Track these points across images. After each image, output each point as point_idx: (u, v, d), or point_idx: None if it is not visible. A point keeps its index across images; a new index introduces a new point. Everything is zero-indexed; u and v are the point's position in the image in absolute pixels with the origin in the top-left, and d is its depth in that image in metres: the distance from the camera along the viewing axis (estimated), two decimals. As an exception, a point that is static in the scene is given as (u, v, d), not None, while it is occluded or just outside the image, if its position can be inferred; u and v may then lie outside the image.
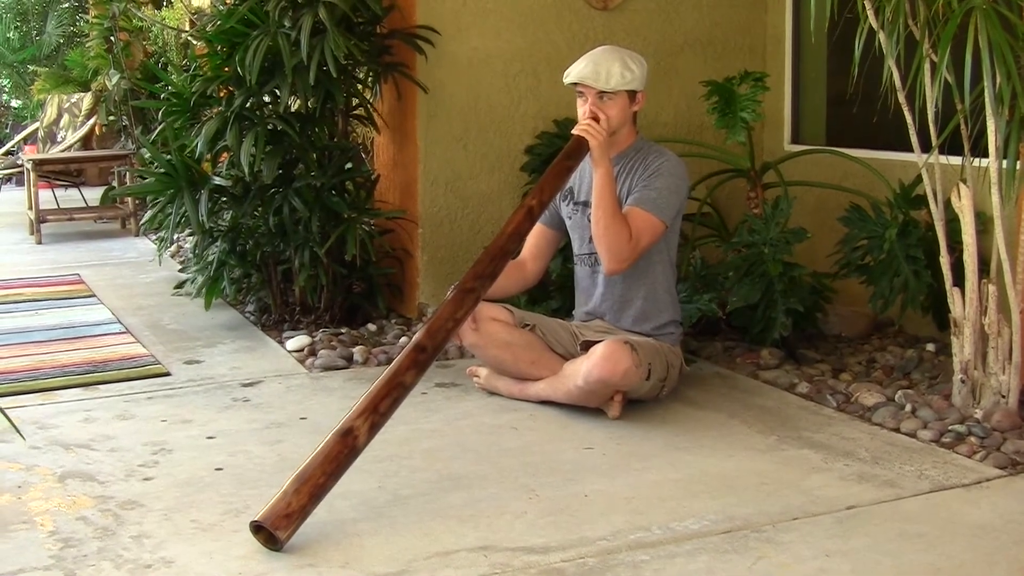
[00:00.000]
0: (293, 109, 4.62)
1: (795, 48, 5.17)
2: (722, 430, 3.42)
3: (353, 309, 4.82)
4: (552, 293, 4.39)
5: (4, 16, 12.42)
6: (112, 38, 8.12)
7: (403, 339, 4.48)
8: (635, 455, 3.20)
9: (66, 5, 10.89)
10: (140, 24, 8.30)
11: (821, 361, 4.10)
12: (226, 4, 4.72)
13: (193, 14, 7.81)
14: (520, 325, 3.67)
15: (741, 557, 2.51)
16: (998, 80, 3.11)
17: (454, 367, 4.14)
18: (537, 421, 3.52)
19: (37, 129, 9.35)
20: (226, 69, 4.57)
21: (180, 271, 5.31)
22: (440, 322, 3.15)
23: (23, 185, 8.61)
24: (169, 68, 7.27)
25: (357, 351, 4.27)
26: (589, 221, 3.63)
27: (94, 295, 5.61)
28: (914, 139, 3.45)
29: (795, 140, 5.19)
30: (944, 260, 3.48)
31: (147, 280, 6.02)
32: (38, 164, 7.96)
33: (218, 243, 4.71)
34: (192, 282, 4.94)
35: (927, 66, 3.30)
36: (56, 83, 9.90)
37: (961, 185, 3.38)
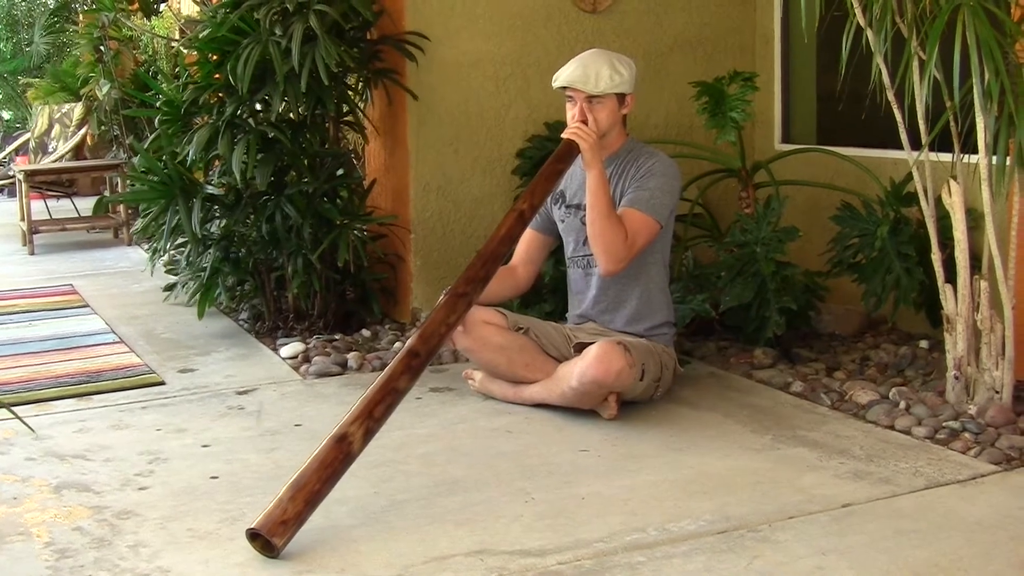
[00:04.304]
0: (284, 116, 4.61)
1: (784, 47, 5.18)
2: (717, 430, 3.42)
3: (347, 315, 4.82)
4: (545, 296, 4.39)
5: (-3, 27, 12.43)
6: (102, 47, 8.11)
7: (397, 344, 4.48)
8: (630, 456, 3.21)
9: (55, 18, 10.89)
10: (130, 33, 8.29)
11: (815, 360, 4.11)
12: (216, 12, 4.71)
13: (183, 23, 7.80)
14: (513, 328, 3.67)
15: (738, 557, 2.52)
16: (986, 77, 3.11)
17: (448, 371, 4.14)
18: (532, 424, 3.53)
19: (28, 140, 9.33)
20: (217, 77, 4.57)
21: (167, 272, 5.27)
22: (433, 327, 3.15)
23: (15, 196, 8.60)
24: (159, 77, 7.26)
25: (351, 357, 4.27)
26: (582, 224, 3.63)
27: (87, 305, 5.61)
28: (904, 137, 3.46)
29: (785, 139, 5.20)
30: (936, 257, 3.49)
31: (140, 289, 6.01)
32: (30, 175, 7.95)
33: (211, 251, 4.71)
34: (183, 286, 4.94)
35: (915, 63, 3.31)
36: (48, 92, 9.89)
37: (951, 182, 3.39)
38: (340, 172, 4.78)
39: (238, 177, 4.36)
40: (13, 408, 3.60)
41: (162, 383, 4.11)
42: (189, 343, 4.71)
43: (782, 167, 4.65)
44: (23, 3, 12.77)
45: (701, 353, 4.26)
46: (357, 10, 4.52)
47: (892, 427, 3.38)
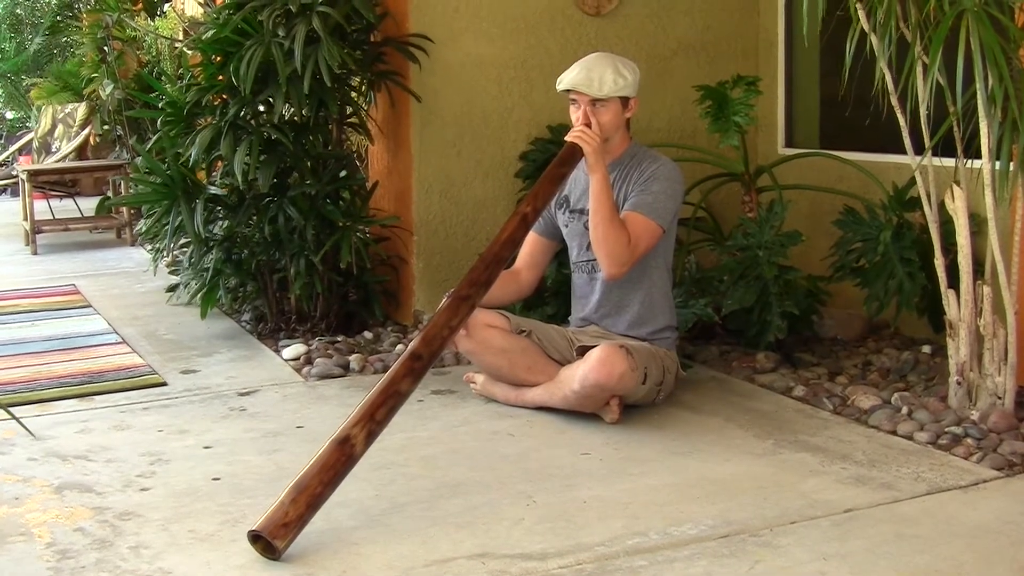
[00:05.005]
0: (287, 118, 4.62)
1: (788, 51, 5.18)
2: (719, 434, 3.42)
3: (349, 317, 4.82)
4: (547, 299, 4.39)
5: (0, 27, 12.43)
6: (106, 48, 8.12)
7: (399, 346, 4.48)
8: (632, 460, 3.20)
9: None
10: (134, 34, 8.30)
11: (817, 364, 4.11)
12: (219, 14, 4.71)
13: (186, 24, 7.81)
14: (516, 331, 3.67)
15: (739, 561, 2.51)
16: (990, 82, 3.11)
17: (450, 374, 4.14)
18: (534, 427, 3.52)
19: (32, 140, 9.34)
20: (220, 78, 4.58)
21: (171, 273, 5.31)
22: (435, 329, 3.15)
23: (18, 196, 8.61)
24: (163, 78, 7.27)
25: (353, 359, 4.27)
26: (586, 228, 3.63)
27: (90, 305, 5.61)
28: (907, 141, 3.46)
29: (789, 143, 5.19)
30: (939, 262, 3.49)
31: (143, 290, 6.01)
32: (33, 175, 7.96)
33: (213, 252, 4.71)
34: (185, 287, 4.95)
35: (919, 68, 3.31)
36: (51, 93, 9.90)
37: (955, 187, 3.39)
38: (343, 174, 4.78)
39: (240, 178, 4.37)
40: (14, 411, 3.61)
41: (164, 384, 4.11)
42: (191, 344, 4.72)
43: (785, 171, 4.65)
44: (26, 2, 12.78)
45: (703, 357, 4.25)
46: (360, 12, 4.53)
47: (894, 432, 3.38)
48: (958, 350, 3.45)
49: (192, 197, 4.59)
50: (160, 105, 4.83)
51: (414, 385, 3.01)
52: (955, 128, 3.34)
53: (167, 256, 5.04)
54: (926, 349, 4.19)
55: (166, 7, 8.73)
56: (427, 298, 4.78)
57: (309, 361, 4.31)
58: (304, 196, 4.55)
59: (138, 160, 5.11)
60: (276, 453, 3.34)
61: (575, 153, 3.54)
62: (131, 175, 6.85)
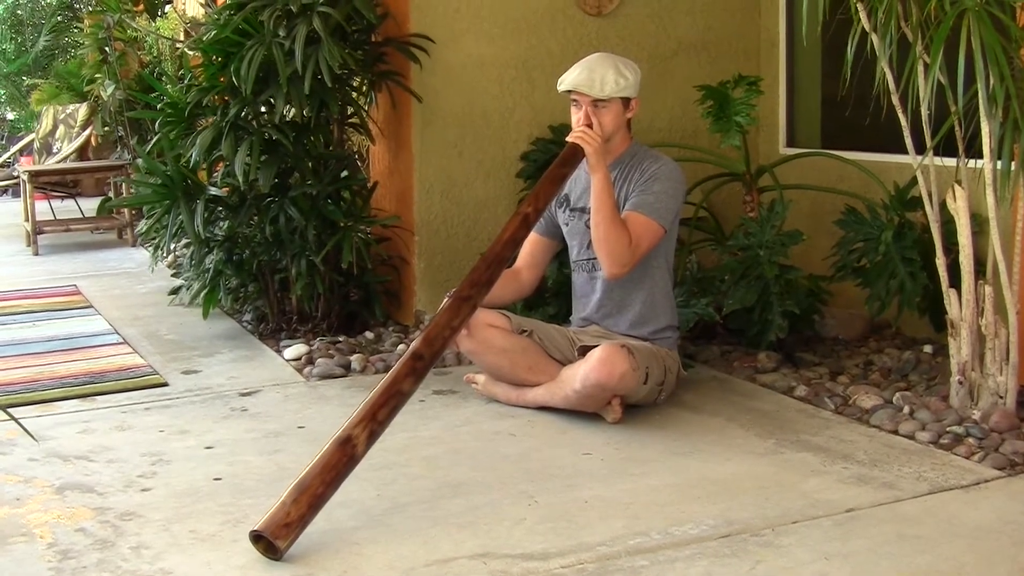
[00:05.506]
0: (288, 118, 4.62)
1: (789, 51, 5.18)
2: (720, 434, 3.42)
3: (350, 317, 4.82)
4: (548, 299, 4.39)
5: (0, 27, 12.44)
6: (107, 48, 8.12)
7: (401, 347, 4.48)
8: (633, 460, 3.20)
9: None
10: (135, 34, 8.30)
11: (819, 364, 4.11)
12: (220, 14, 4.71)
13: (187, 24, 7.80)
14: (517, 331, 3.67)
15: (740, 561, 2.51)
16: (991, 82, 3.11)
17: (452, 374, 4.14)
18: (535, 427, 3.52)
19: (33, 140, 9.35)
20: (221, 79, 4.58)
21: (173, 275, 5.32)
22: (437, 330, 3.15)
23: (19, 197, 8.61)
24: (164, 78, 7.27)
25: (355, 359, 4.27)
26: (587, 227, 3.63)
27: (91, 306, 5.61)
28: (908, 141, 3.45)
29: (790, 143, 5.19)
30: (940, 262, 3.48)
31: (144, 290, 6.02)
32: (34, 175, 7.96)
33: (214, 253, 4.71)
34: (187, 288, 4.95)
35: (920, 68, 3.30)
36: (52, 95, 9.90)
37: (956, 187, 3.39)
38: (344, 174, 4.78)
39: (241, 179, 4.37)
40: (16, 412, 3.61)
41: (165, 384, 4.11)
42: (193, 344, 4.72)
43: (786, 171, 4.65)
44: (27, 3, 12.78)
45: (704, 357, 4.25)
46: (361, 12, 4.53)
47: (896, 432, 3.38)
48: (959, 350, 3.45)
49: (193, 198, 4.59)
50: (161, 106, 4.83)
51: (416, 385, 3.01)
52: (956, 128, 3.34)
53: (166, 255, 5.04)
54: (927, 349, 4.19)
55: (167, 8, 8.73)
56: (428, 298, 4.78)
57: (310, 361, 4.31)
58: (305, 196, 4.55)
59: (139, 161, 5.11)
60: (277, 453, 3.34)
61: (576, 154, 3.54)
62: (132, 176, 6.86)
